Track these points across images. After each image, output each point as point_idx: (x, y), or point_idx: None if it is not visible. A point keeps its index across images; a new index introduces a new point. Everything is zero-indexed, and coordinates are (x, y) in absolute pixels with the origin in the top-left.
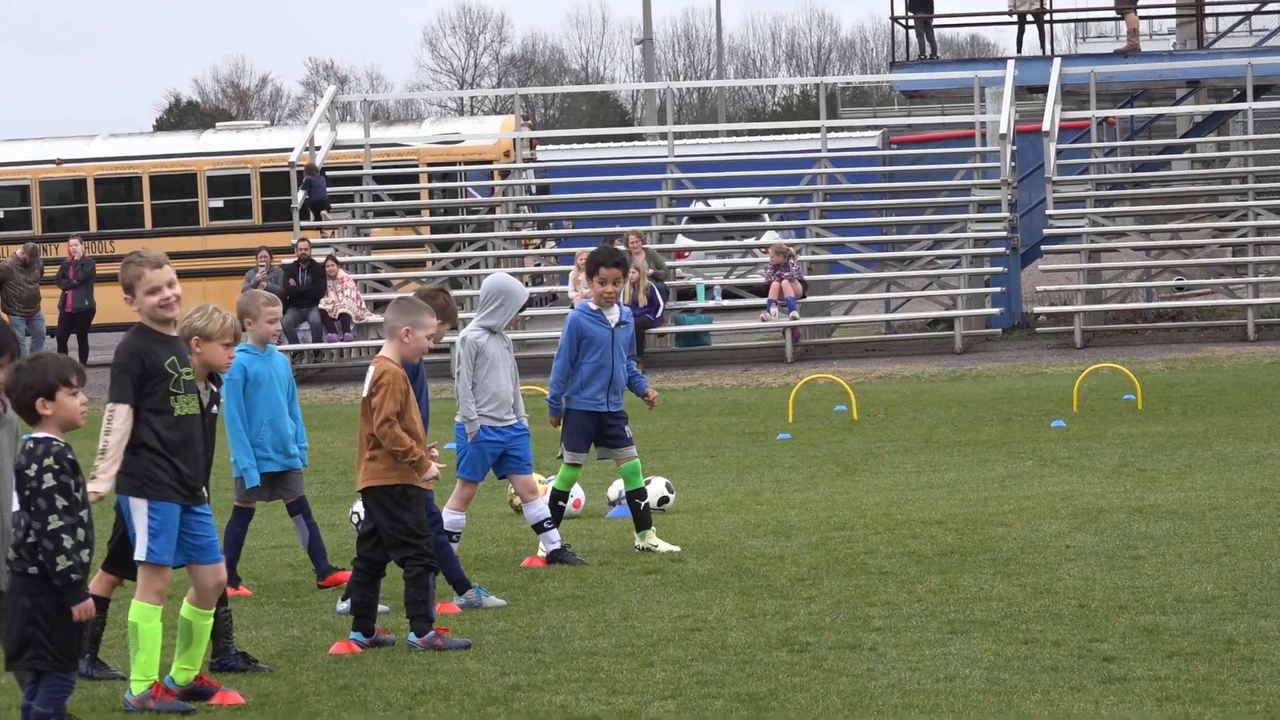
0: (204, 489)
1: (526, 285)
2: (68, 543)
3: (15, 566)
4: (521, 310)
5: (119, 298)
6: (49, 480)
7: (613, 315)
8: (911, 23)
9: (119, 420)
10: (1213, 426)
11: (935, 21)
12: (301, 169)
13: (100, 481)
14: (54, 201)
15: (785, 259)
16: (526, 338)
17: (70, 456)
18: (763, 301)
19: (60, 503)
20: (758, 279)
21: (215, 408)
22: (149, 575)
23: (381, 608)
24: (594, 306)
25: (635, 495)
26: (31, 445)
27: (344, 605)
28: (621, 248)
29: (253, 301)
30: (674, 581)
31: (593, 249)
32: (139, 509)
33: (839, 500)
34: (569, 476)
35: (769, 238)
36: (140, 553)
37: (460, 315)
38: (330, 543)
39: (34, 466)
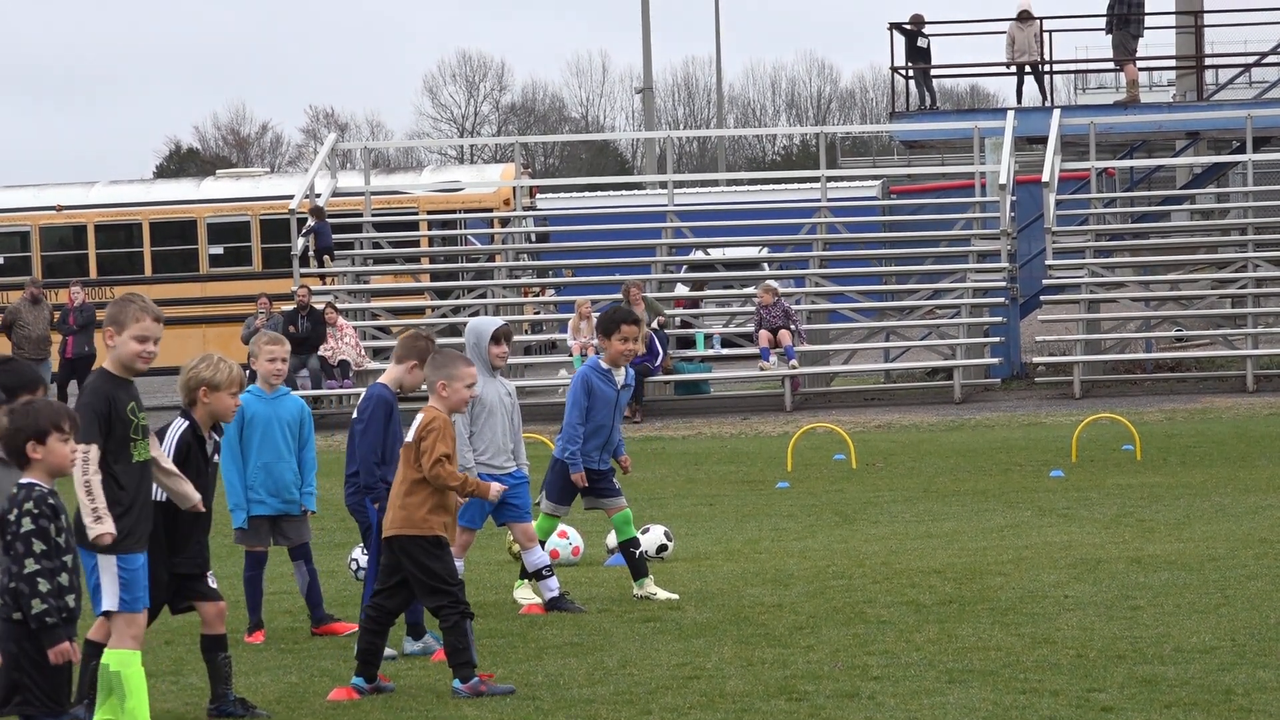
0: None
1: (525, 333)
2: (43, 586)
3: (1, 613)
4: (499, 342)
5: None
6: (27, 524)
7: (620, 376)
8: (911, 73)
9: (93, 463)
10: (1211, 477)
11: (934, 72)
12: (303, 216)
13: (105, 522)
14: (54, 248)
15: (774, 298)
16: (527, 385)
17: (52, 501)
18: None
19: (38, 547)
20: (733, 328)
21: (216, 456)
22: (125, 621)
23: (389, 652)
24: (605, 365)
25: (629, 545)
26: (14, 490)
27: (415, 646)
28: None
29: (256, 342)
30: (672, 629)
31: (606, 309)
32: (107, 563)
33: (838, 549)
34: (546, 527)
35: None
36: (111, 603)
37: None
38: (328, 590)
39: (14, 511)
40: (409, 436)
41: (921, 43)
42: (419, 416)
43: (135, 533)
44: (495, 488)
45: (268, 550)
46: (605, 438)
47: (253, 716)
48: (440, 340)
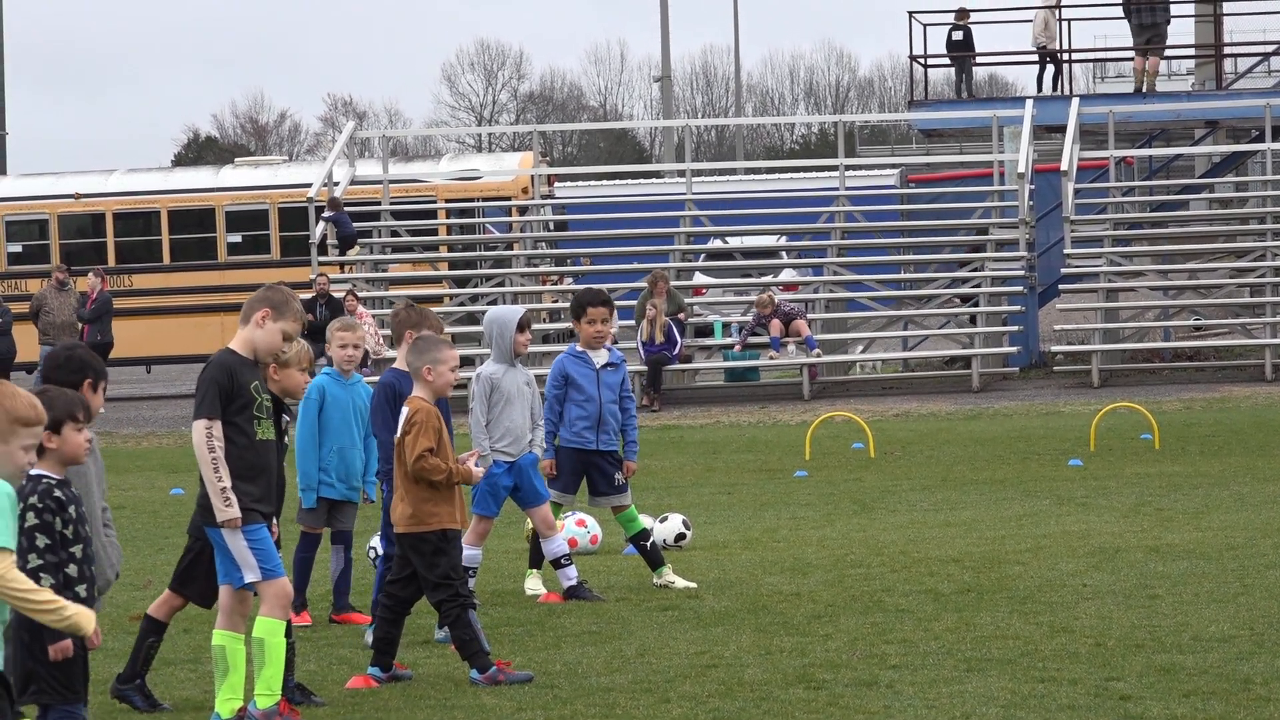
0: (275, 518)
1: (543, 321)
2: (45, 582)
3: None
4: (523, 330)
5: (135, 332)
6: (30, 519)
7: (600, 357)
8: (950, 63)
9: (217, 438)
10: (1230, 466)
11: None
12: (321, 204)
13: (233, 506)
14: (72, 236)
15: (772, 308)
16: (544, 374)
17: (58, 494)
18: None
19: (41, 541)
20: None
21: (285, 438)
22: (273, 590)
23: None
24: (579, 349)
25: (638, 538)
26: (23, 482)
27: (440, 634)
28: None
29: (329, 328)
30: (691, 618)
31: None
32: (234, 537)
33: (856, 538)
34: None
35: (786, 275)
36: (254, 575)
37: (475, 352)
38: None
39: (20, 504)
40: (398, 432)
41: (957, 35)
42: (404, 409)
43: (255, 505)
44: (476, 472)
45: (322, 533)
46: (594, 416)
47: (310, 704)
48: (459, 329)
